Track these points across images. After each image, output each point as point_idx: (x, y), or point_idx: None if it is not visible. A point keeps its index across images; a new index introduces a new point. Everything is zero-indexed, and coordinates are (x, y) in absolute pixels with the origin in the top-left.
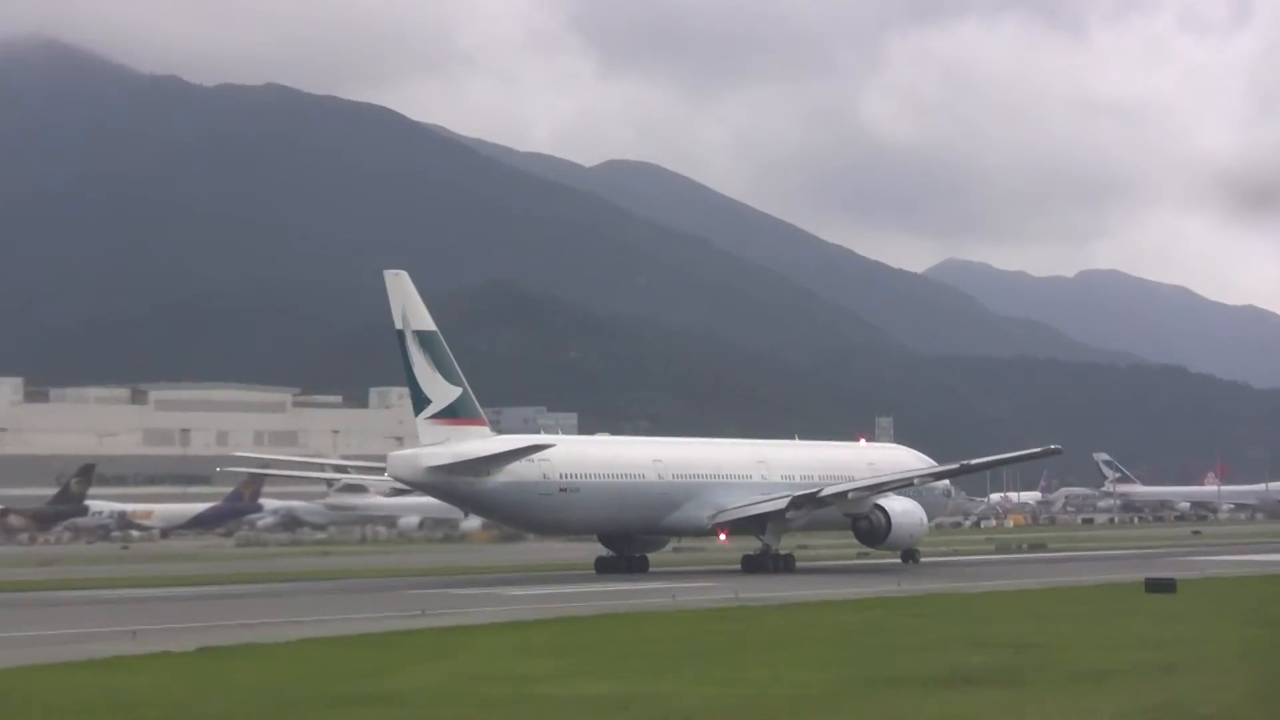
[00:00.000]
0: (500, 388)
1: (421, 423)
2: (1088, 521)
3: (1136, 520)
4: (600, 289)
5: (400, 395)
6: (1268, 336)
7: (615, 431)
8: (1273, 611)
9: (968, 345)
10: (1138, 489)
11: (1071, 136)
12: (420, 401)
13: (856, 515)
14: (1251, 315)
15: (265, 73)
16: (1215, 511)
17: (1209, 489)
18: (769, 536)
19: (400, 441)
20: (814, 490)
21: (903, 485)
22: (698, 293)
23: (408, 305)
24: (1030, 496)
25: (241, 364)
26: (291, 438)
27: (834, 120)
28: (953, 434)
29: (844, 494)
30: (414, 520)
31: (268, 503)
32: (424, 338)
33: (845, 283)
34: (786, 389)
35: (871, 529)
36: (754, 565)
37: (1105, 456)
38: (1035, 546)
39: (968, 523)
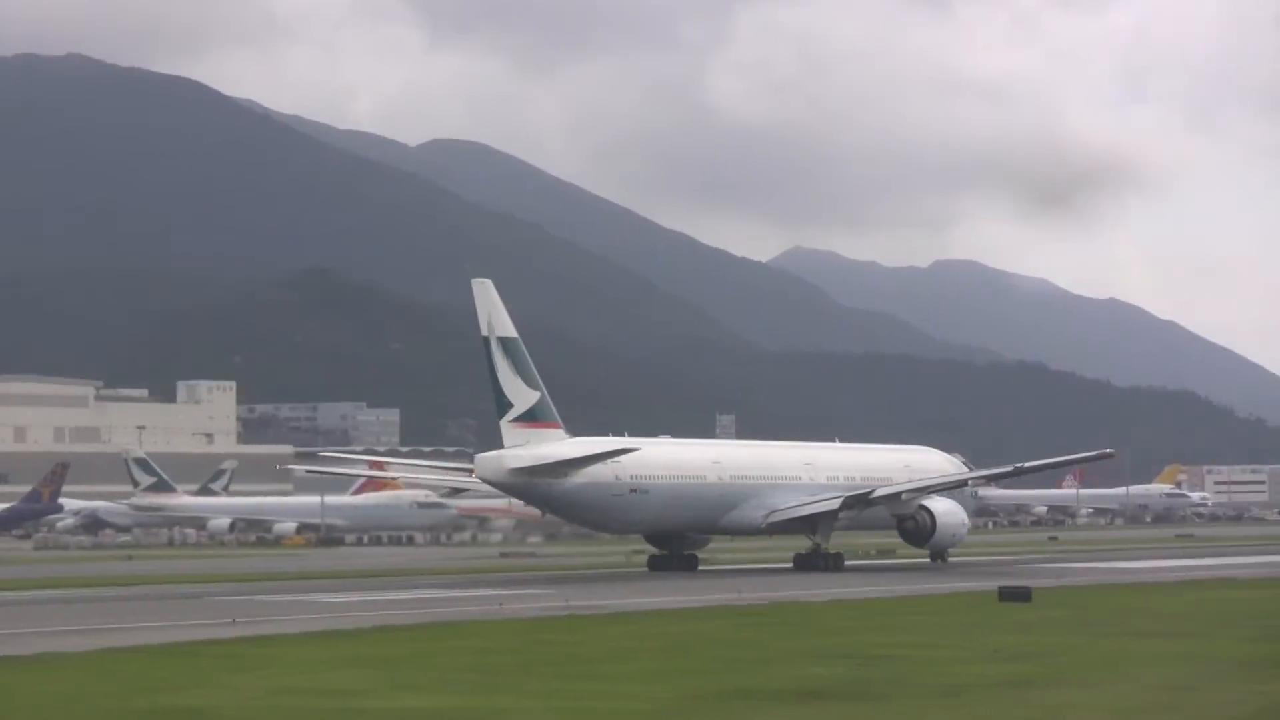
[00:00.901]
0: (318, 381)
1: (505, 425)
2: None
3: (991, 525)
4: (424, 277)
5: (210, 389)
6: (1131, 332)
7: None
8: (1133, 623)
9: (815, 339)
10: (994, 492)
11: (931, 118)
12: (503, 405)
13: (903, 516)
14: (1115, 309)
15: (68, 42)
16: (1074, 516)
17: (1067, 492)
18: (819, 536)
19: (210, 439)
20: (866, 491)
21: (954, 487)
22: (528, 282)
23: (493, 313)
24: None
25: (40, 355)
26: (94, 434)
27: (677, 98)
28: (799, 433)
29: (896, 495)
30: (224, 522)
31: (68, 503)
32: (507, 344)
33: (686, 272)
34: (623, 384)
35: (917, 529)
36: (805, 564)
37: (960, 458)
38: (884, 552)
39: None
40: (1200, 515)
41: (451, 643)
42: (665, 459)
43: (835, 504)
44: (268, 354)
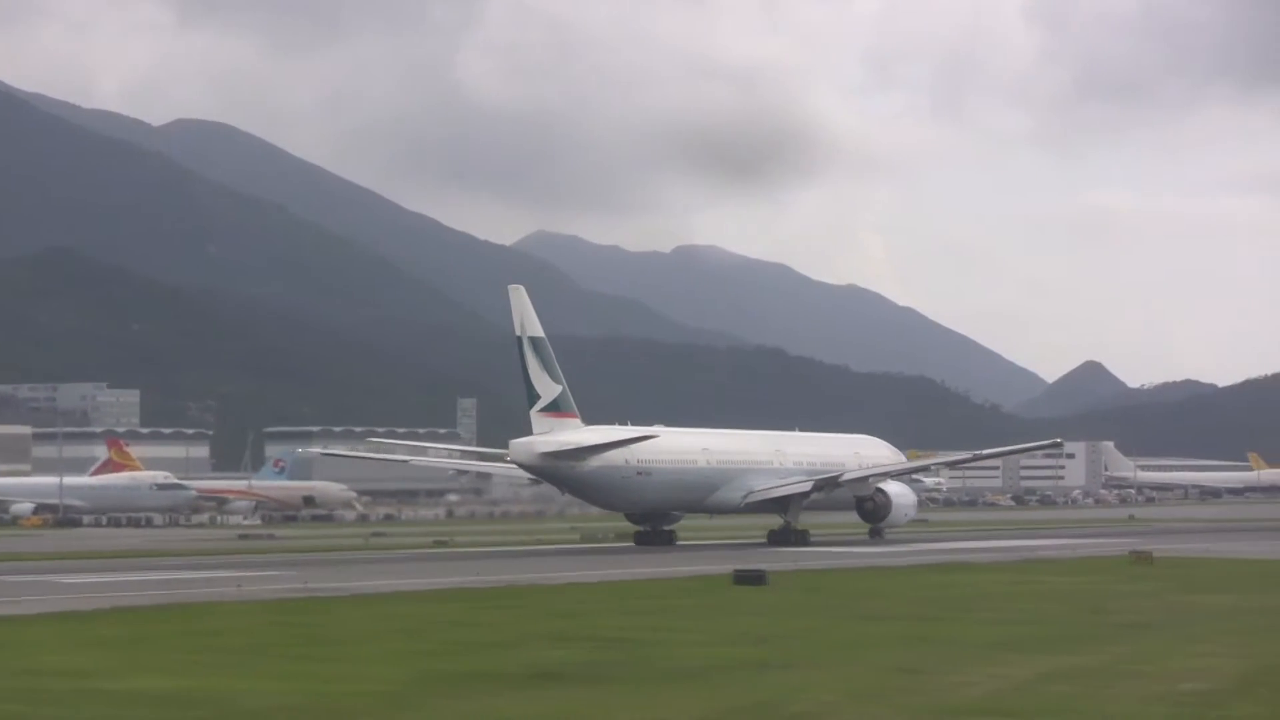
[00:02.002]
0: (57, 362)
1: (534, 415)
2: None
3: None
4: (167, 258)
5: None
6: (870, 318)
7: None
8: (868, 606)
9: (558, 323)
10: None
11: (679, 104)
12: (533, 396)
13: (862, 497)
14: (854, 296)
15: None
16: (553, 501)
17: None
18: (789, 515)
19: None
20: (835, 475)
21: (916, 471)
22: (273, 264)
23: (525, 316)
24: None
25: None
26: None
27: (428, 82)
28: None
29: (862, 479)
30: None
31: None
32: (536, 343)
33: (430, 256)
34: (366, 368)
35: (875, 508)
36: (778, 539)
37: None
38: (622, 536)
39: (551, 511)
40: (935, 500)
41: (189, 624)
42: (664, 446)
43: (807, 486)
44: (7, 333)
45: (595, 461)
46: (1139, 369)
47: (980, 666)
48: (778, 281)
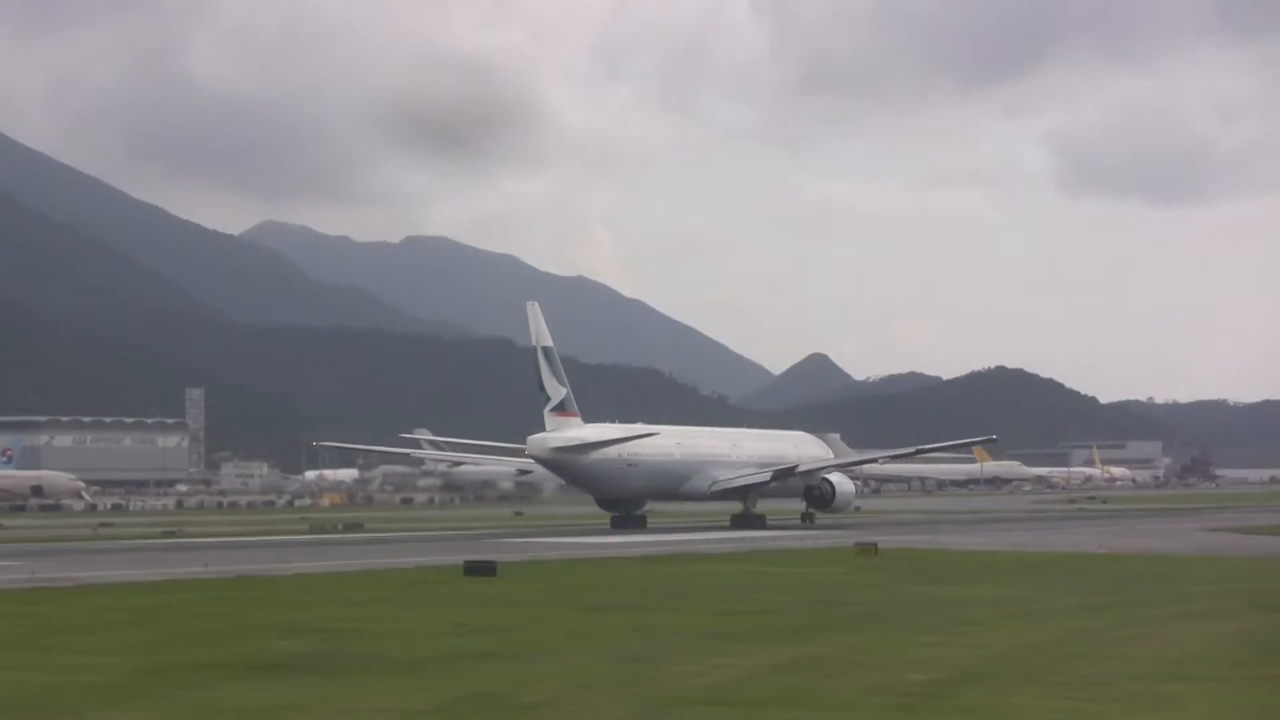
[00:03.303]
0: None
1: (547, 414)
2: (407, 501)
3: (458, 500)
4: None
5: None
6: (597, 308)
7: None
8: (597, 597)
9: (287, 313)
10: (460, 468)
11: (411, 94)
12: (544, 398)
13: (810, 486)
14: (582, 287)
15: None
16: (541, 492)
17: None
18: (749, 501)
19: None
20: (792, 465)
21: (866, 463)
22: None
23: (539, 328)
24: (347, 474)
25: None
26: None
27: (157, 68)
28: (272, 407)
29: (814, 470)
30: None
31: None
32: (547, 352)
33: (158, 245)
34: (94, 357)
35: (822, 496)
36: (740, 523)
37: (427, 433)
38: (352, 527)
39: (281, 502)
40: None
41: None
42: (646, 441)
43: (766, 476)
44: None
45: (594, 455)
46: (865, 361)
47: (707, 657)
48: (506, 272)
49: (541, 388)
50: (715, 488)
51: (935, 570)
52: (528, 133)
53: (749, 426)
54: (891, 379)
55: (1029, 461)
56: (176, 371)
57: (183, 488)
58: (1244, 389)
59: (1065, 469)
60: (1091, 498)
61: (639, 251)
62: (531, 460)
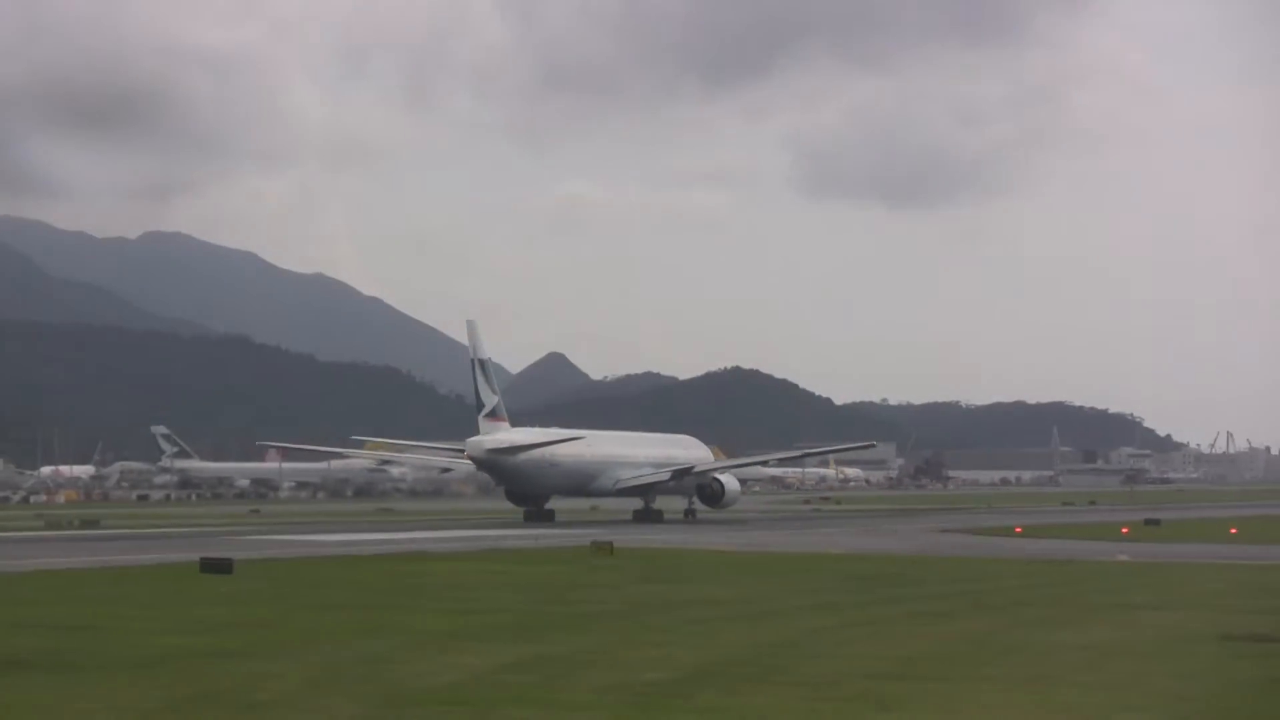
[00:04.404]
0: None
1: (481, 420)
2: (143, 498)
3: (194, 497)
4: None
5: None
6: (336, 306)
7: None
8: (328, 594)
9: (23, 310)
10: (196, 464)
11: (151, 88)
12: (479, 405)
13: (703, 484)
14: (319, 283)
15: None
16: (277, 489)
17: (270, 466)
18: (649, 498)
19: None
20: (689, 466)
21: (755, 464)
22: None
23: (477, 342)
24: (83, 470)
25: None
26: None
27: None
28: (8, 403)
29: (707, 470)
30: None
31: None
32: (484, 364)
33: None
34: None
35: (713, 493)
36: (641, 517)
37: (164, 430)
38: (88, 523)
39: (15, 498)
40: (400, 490)
41: None
42: (564, 446)
43: (666, 475)
44: None
45: (522, 456)
46: (603, 361)
47: (440, 656)
48: (244, 268)
49: (478, 395)
50: (619, 485)
51: (671, 570)
52: (268, 129)
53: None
54: (629, 379)
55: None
56: None
57: None
58: (976, 391)
59: (800, 469)
60: (826, 498)
61: (379, 249)
62: (453, 458)
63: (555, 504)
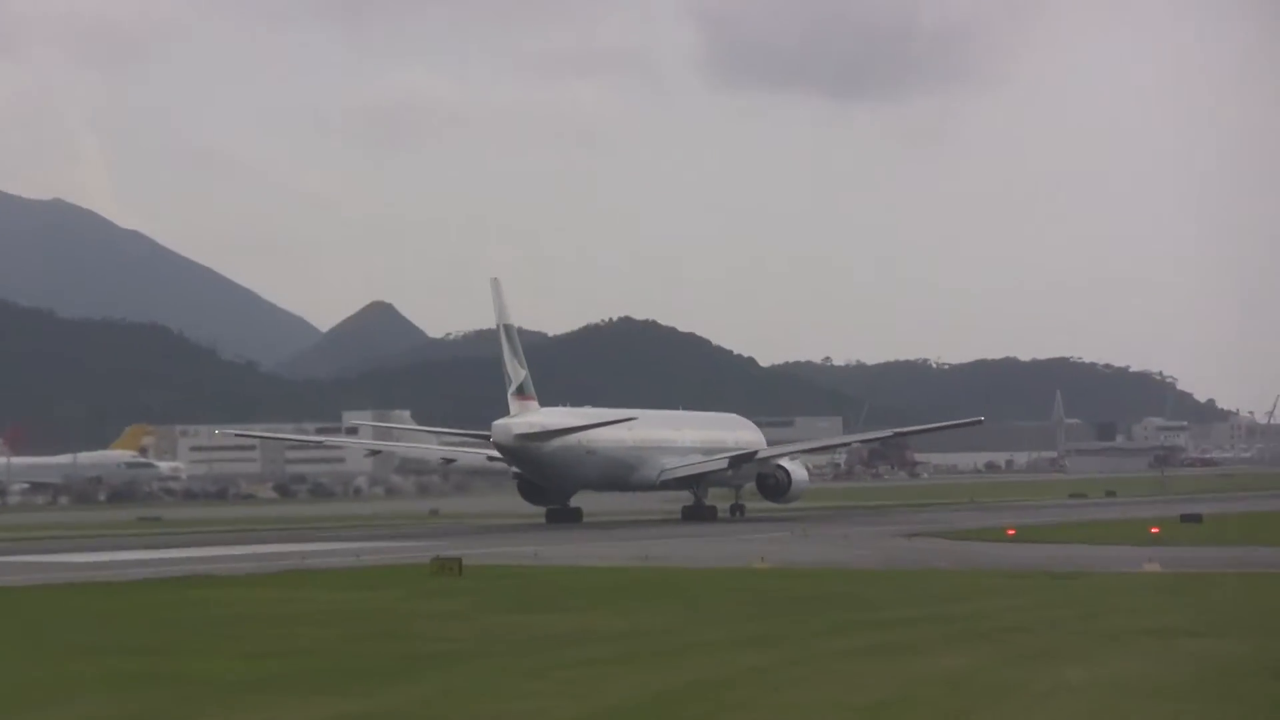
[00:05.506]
0: None
1: (510, 398)
2: None
3: None
4: None
5: None
6: (81, 244)
7: None
8: (91, 633)
9: None
10: None
11: None
12: (508, 380)
13: (764, 474)
14: (59, 213)
15: None
16: (4, 493)
17: None
18: (700, 491)
19: None
20: (750, 451)
21: (821, 450)
22: None
23: (503, 304)
24: None
25: None
26: None
27: None
28: None
29: (770, 456)
30: None
31: None
32: (509, 330)
33: None
34: None
35: (776, 484)
36: (691, 515)
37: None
38: None
39: None
40: (172, 491)
41: None
42: (604, 431)
43: (723, 463)
44: None
45: (555, 442)
46: (443, 314)
47: (233, 714)
48: None
49: (504, 367)
50: (664, 477)
51: (541, 594)
52: None
53: (289, 404)
54: (479, 336)
55: None
56: None
57: None
58: (950, 347)
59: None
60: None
61: (140, 170)
62: (455, 449)
63: (576, 500)
